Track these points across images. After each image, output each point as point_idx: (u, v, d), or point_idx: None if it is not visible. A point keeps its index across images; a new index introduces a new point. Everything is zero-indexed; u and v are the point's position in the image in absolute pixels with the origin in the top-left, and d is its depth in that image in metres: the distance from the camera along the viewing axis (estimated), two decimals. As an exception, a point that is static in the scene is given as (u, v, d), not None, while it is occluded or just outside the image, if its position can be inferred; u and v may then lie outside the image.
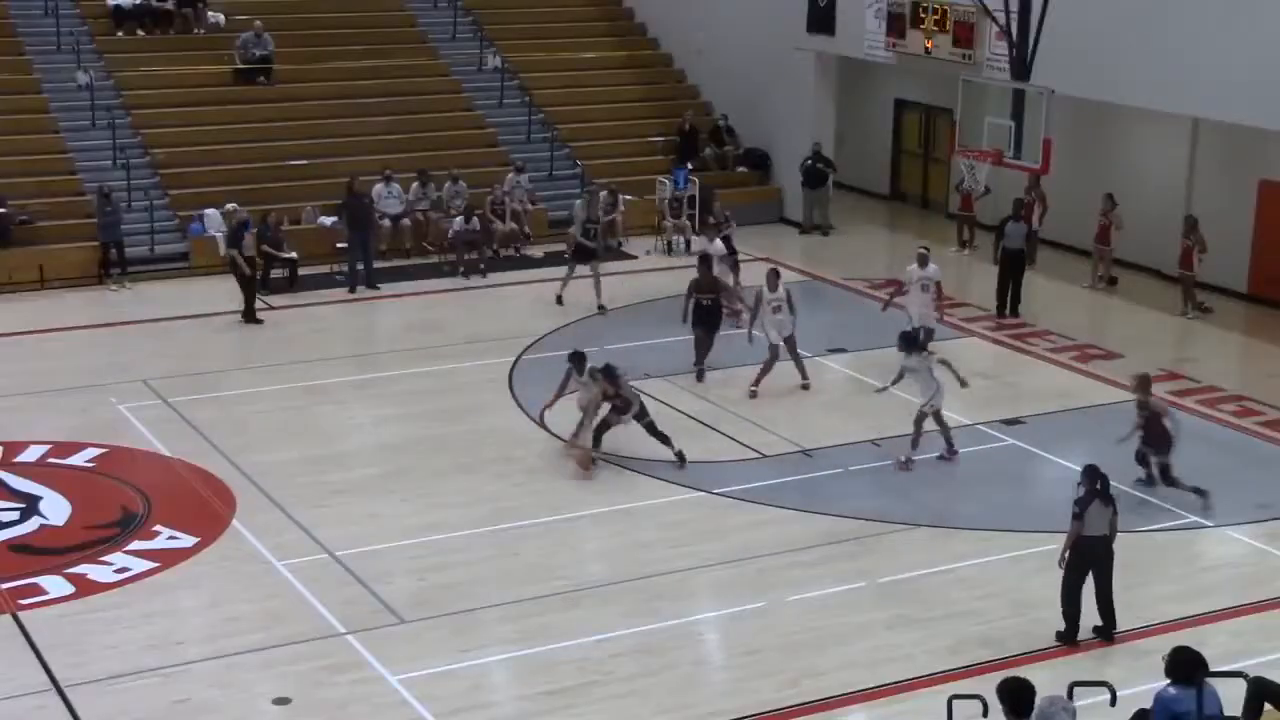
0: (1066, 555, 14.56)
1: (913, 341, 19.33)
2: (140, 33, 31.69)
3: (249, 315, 24.52)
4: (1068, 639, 14.55)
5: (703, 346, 21.97)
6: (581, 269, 25.59)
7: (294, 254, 26.36)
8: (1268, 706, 11.46)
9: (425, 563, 16.39)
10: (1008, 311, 25.10)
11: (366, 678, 14.11)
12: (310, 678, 14.05)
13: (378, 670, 14.20)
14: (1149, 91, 24.22)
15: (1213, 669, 11.11)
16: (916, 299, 22.20)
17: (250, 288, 24.65)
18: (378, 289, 26.47)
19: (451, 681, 14.07)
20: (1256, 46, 22.36)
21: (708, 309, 21.96)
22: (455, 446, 19.64)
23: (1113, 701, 11.56)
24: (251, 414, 20.63)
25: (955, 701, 11.87)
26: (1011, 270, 25.33)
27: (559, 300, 25.33)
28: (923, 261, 22.25)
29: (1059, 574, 14.68)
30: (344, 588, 15.79)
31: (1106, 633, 14.67)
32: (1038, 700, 10.56)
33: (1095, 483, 14.59)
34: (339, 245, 27.14)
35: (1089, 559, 14.51)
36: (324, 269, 27.05)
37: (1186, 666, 10.82)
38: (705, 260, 23.18)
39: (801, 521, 17.46)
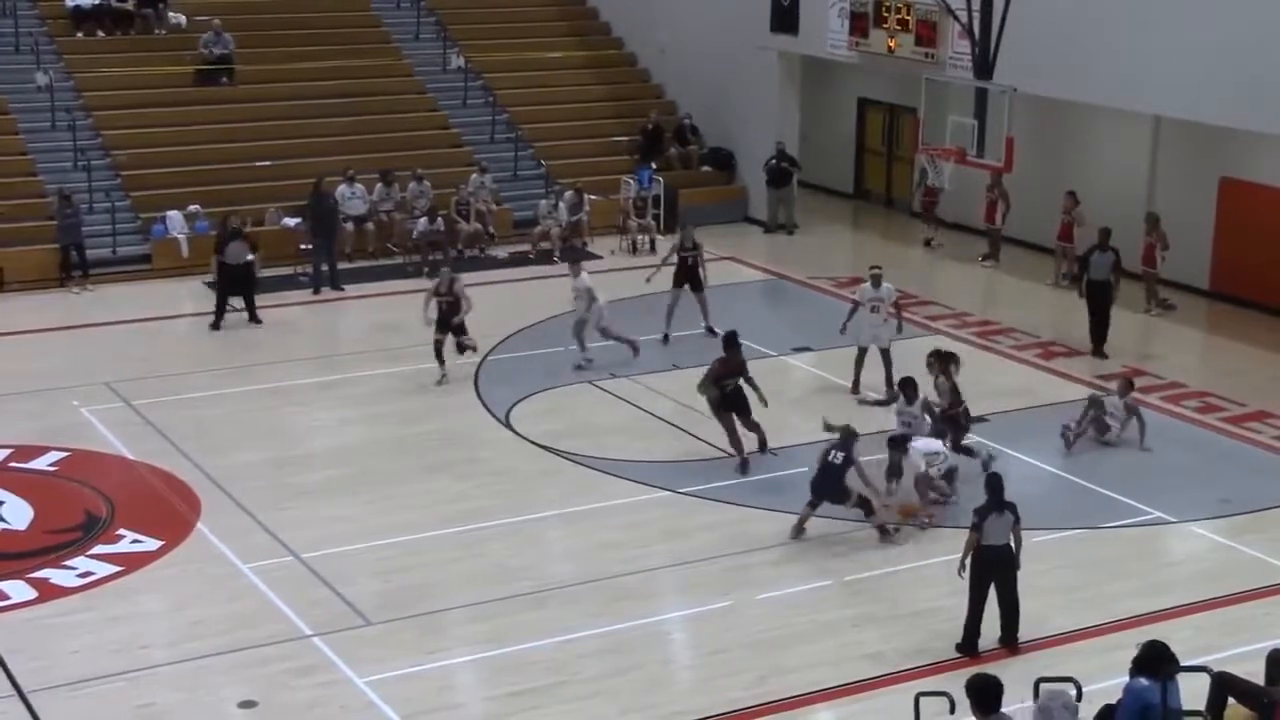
0: (967, 565, 14.54)
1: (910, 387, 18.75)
2: (100, 33, 31.47)
3: (251, 317, 24.56)
4: (967, 650, 14.51)
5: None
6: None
7: (252, 257, 26.22)
8: (1231, 700, 11.55)
9: (391, 564, 16.35)
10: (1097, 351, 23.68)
11: (333, 680, 14.06)
12: (276, 680, 13.99)
13: (344, 672, 14.16)
14: (1110, 89, 24.35)
15: (1179, 663, 11.18)
16: (866, 319, 21.48)
17: (247, 290, 24.61)
18: (342, 290, 26.39)
19: (419, 683, 14.04)
20: (1217, 45, 22.51)
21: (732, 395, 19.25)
22: (420, 447, 19.59)
23: (1078, 696, 11.61)
24: (215, 416, 20.53)
25: (922, 699, 11.91)
26: (1099, 303, 23.58)
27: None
28: (876, 282, 21.57)
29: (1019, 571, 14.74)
30: (310, 590, 15.73)
31: (1010, 641, 14.63)
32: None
33: (995, 493, 14.61)
34: (303, 246, 27.03)
35: (991, 569, 14.49)
36: (287, 270, 26.93)
37: (1157, 660, 10.87)
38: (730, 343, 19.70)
39: (767, 520, 17.47)
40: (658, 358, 22.85)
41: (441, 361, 21.66)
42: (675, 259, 24.07)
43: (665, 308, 23.78)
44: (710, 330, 23.51)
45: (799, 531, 16.86)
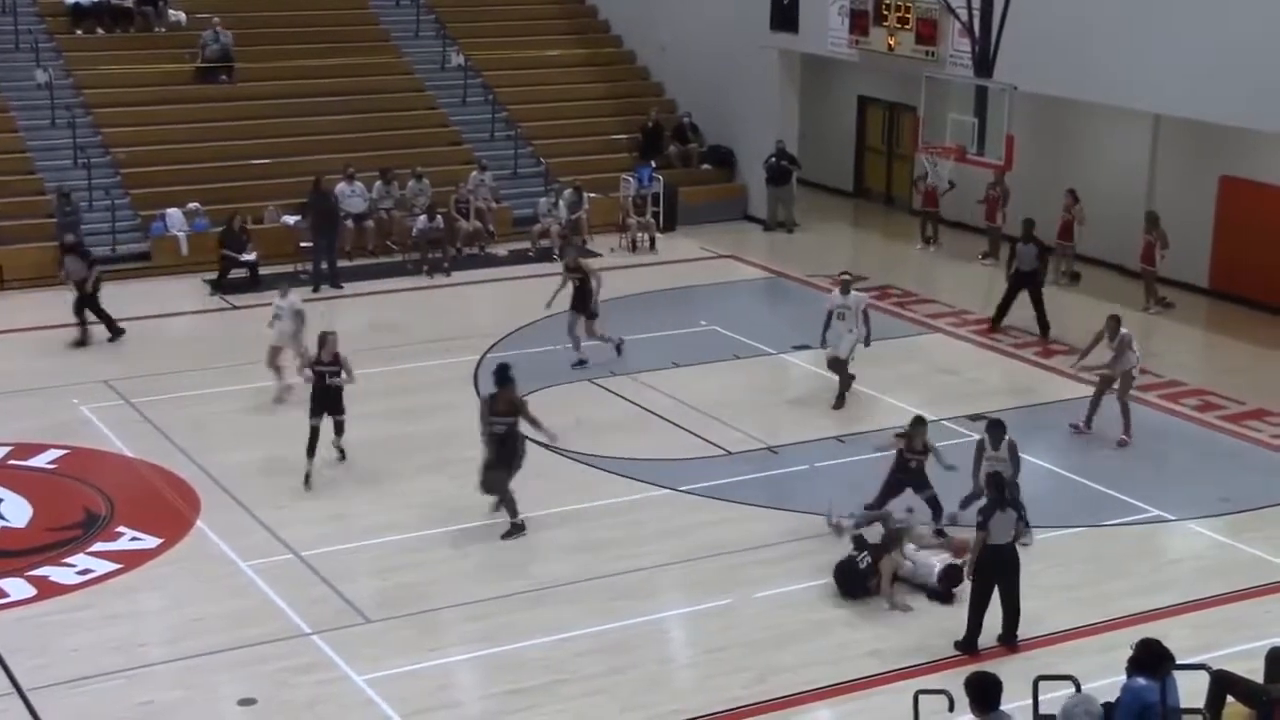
0: (973, 564, 14.51)
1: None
2: (100, 31, 31.47)
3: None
4: (967, 647, 14.49)
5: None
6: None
7: (253, 255, 26.26)
8: (1230, 698, 11.55)
9: (390, 562, 16.35)
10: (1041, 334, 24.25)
11: (332, 678, 14.06)
12: (276, 678, 13.99)
13: (343, 670, 14.16)
14: (1111, 88, 24.34)
15: (1176, 661, 11.17)
16: (834, 327, 20.96)
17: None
18: (341, 288, 26.38)
19: (417, 681, 14.04)
20: (1217, 43, 22.50)
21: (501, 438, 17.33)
22: (419, 446, 19.58)
23: (1077, 693, 11.60)
24: (215, 414, 20.52)
25: (921, 697, 11.91)
26: (1028, 292, 24.20)
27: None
28: (845, 289, 21.06)
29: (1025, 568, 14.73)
30: (309, 588, 15.73)
31: (1009, 639, 14.62)
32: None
33: (998, 491, 14.59)
34: (303, 244, 27.03)
35: (996, 567, 14.48)
36: (287, 268, 26.90)
37: (1154, 659, 10.87)
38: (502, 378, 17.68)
39: (767, 518, 17.47)
40: (656, 356, 22.83)
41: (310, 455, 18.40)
42: (568, 284, 22.51)
43: (567, 331, 22.56)
44: (617, 348, 22.73)
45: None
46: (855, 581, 15.58)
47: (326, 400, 18.37)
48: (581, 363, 22.38)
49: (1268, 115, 22.14)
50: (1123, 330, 19.75)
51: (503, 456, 17.05)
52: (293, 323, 21.03)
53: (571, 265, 22.82)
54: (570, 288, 22.49)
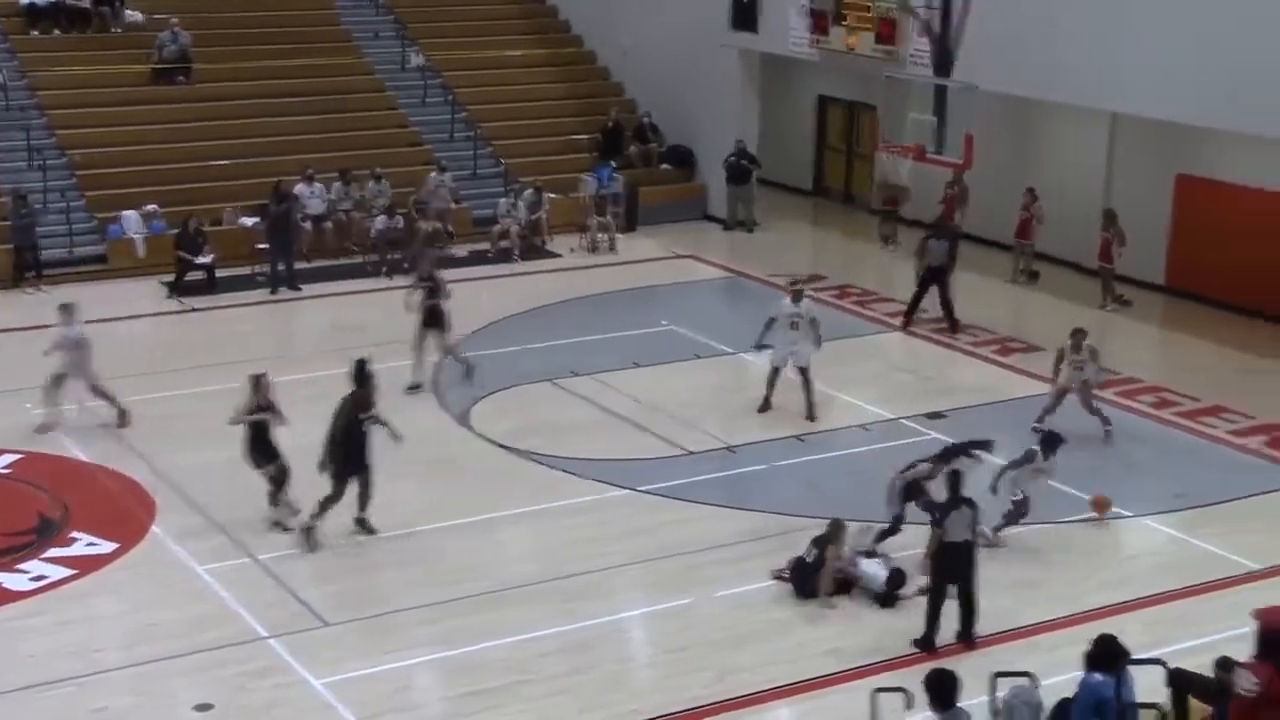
0: (929, 563, 14.60)
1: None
2: (56, 31, 31.24)
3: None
4: (925, 645, 14.53)
5: None
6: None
7: (209, 258, 26.12)
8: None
9: (349, 565, 16.29)
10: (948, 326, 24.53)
11: (290, 682, 14.00)
12: (232, 683, 13.92)
13: (301, 674, 14.10)
14: (1069, 87, 24.45)
15: (1132, 657, 11.23)
16: (784, 337, 20.50)
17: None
18: (299, 290, 26.25)
19: (376, 684, 13.98)
20: (1174, 43, 22.63)
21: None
22: (379, 448, 19.43)
23: (1034, 691, 11.66)
24: (171, 417, 20.38)
25: (879, 695, 11.93)
26: (936, 286, 24.51)
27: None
28: (796, 297, 20.61)
29: (980, 566, 14.78)
30: (266, 591, 15.66)
31: (967, 637, 14.68)
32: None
33: (955, 489, 14.63)
34: (259, 246, 26.90)
35: (953, 565, 14.54)
36: (245, 270, 26.79)
37: (1110, 654, 10.93)
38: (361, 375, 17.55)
39: (727, 518, 17.48)
40: (616, 356, 22.80)
41: None
42: (419, 294, 21.70)
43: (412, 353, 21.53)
44: (468, 370, 21.73)
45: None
46: (806, 577, 15.59)
47: (261, 447, 17.08)
48: (415, 387, 21.29)
49: (1223, 114, 22.30)
50: (1087, 342, 19.86)
51: (349, 450, 16.68)
52: (76, 353, 19.79)
53: (425, 276, 21.81)
54: (421, 300, 21.51)
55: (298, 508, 16.92)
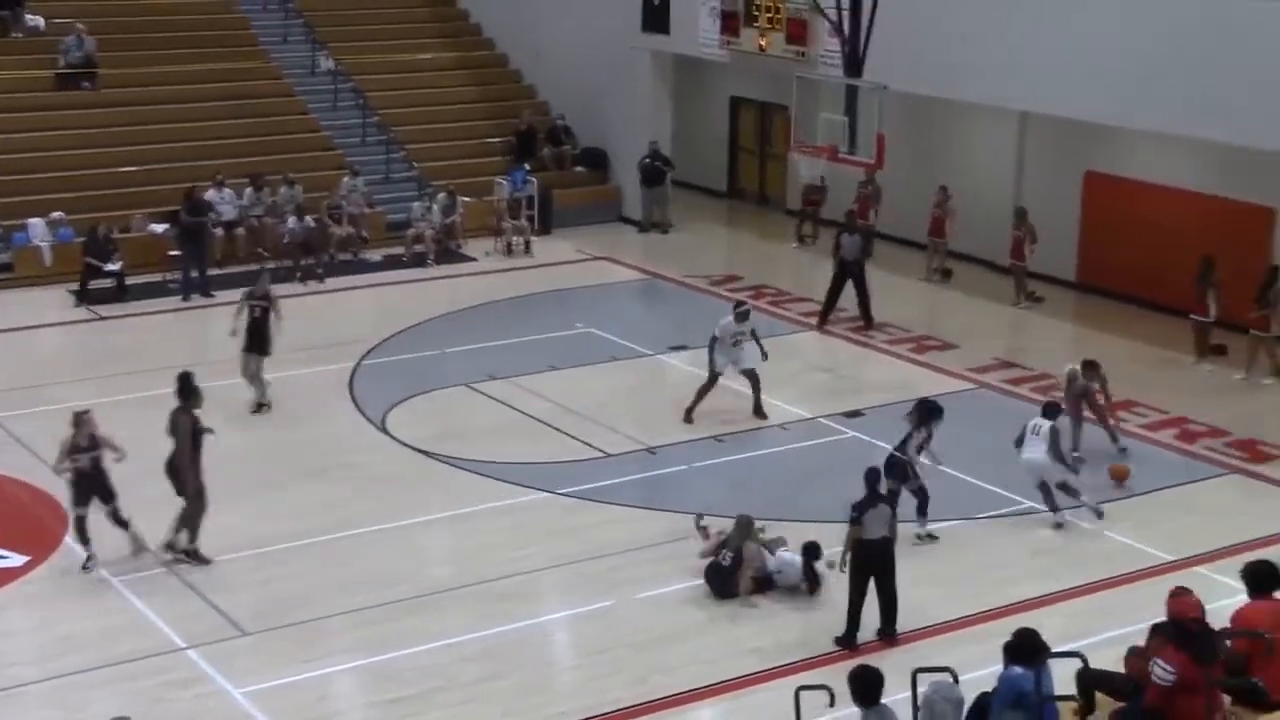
0: (848, 559, 14.68)
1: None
2: (-46, 37, 30.73)
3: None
4: (847, 642, 14.61)
5: None
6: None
7: (118, 265, 25.75)
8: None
9: (266, 573, 16.12)
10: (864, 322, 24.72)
11: (209, 692, 13.84)
12: (151, 694, 13.74)
13: (220, 684, 13.94)
14: (978, 87, 24.70)
15: (1052, 650, 11.32)
16: (728, 353, 20.49)
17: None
18: (212, 297, 25.92)
19: (296, 693, 13.86)
20: (1080, 42, 22.92)
21: None
22: (295, 454, 19.33)
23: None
24: (82, 427, 20.06)
25: (802, 693, 11.95)
26: (852, 281, 24.67)
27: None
28: (741, 318, 20.51)
29: (899, 562, 14.86)
30: (183, 602, 15.47)
31: (888, 634, 14.78)
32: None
33: (873, 486, 14.72)
34: (171, 253, 26.57)
35: (871, 562, 14.63)
36: (156, 278, 26.45)
37: (1029, 648, 11.01)
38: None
39: (647, 519, 17.48)
40: (533, 359, 22.74)
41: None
42: (245, 312, 20.73)
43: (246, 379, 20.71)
44: (259, 406, 20.70)
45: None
46: (723, 579, 15.60)
47: (94, 486, 16.05)
48: (261, 407, 20.72)
49: (1128, 112, 22.62)
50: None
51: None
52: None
53: (260, 294, 20.89)
54: (248, 319, 20.60)
55: (144, 544, 16.31)
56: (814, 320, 24.89)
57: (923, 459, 17.22)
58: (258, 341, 20.66)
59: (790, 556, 15.80)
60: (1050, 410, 17.94)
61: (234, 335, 20.72)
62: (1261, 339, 22.18)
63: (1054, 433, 17.52)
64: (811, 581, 15.65)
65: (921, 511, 17.04)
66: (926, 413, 17.22)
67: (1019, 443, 17.53)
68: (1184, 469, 19.23)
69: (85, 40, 30.41)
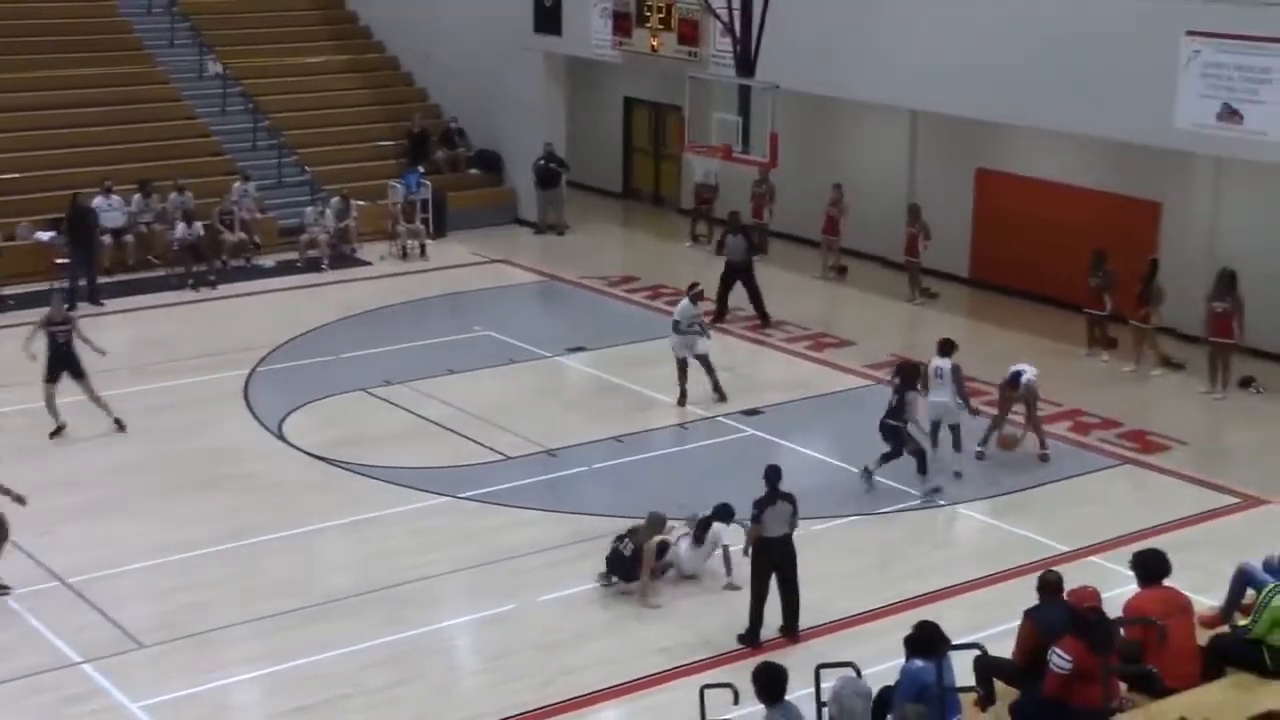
0: (749, 551, 14.85)
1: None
2: None
3: None
4: (750, 640, 14.68)
5: None
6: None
7: None
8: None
9: (164, 584, 15.88)
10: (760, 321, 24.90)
11: (106, 706, 13.62)
12: (46, 711, 13.50)
13: (117, 698, 13.73)
14: (869, 85, 24.92)
15: (952, 642, 11.44)
16: (684, 337, 21.07)
17: None
18: (102, 305, 25.49)
19: (195, 705, 13.68)
20: (968, 41, 23.20)
21: None
22: (190, 463, 19.06)
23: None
24: (-33, 440, 19.68)
25: (707, 691, 11.99)
26: (741, 282, 24.89)
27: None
28: (696, 299, 21.28)
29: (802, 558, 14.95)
30: (77, 615, 15.19)
31: (790, 631, 14.87)
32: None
33: (773, 484, 14.80)
34: (59, 261, 26.09)
35: (772, 559, 14.72)
36: (42, 286, 25.92)
37: (930, 640, 11.11)
38: None
39: (548, 521, 17.44)
40: (430, 363, 22.61)
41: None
42: (45, 336, 19.78)
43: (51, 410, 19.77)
44: (118, 424, 19.94)
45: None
46: (625, 567, 15.63)
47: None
48: (59, 429, 19.75)
49: (1017, 110, 22.94)
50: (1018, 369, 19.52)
51: None
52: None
53: (58, 319, 19.96)
54: (49, 347, 19.70)
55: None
56: (707, 317, 24.91)
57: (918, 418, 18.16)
58: (66, 368, 19.76)
59: (686, 548, 15.83)
60: (945, 347, 18.70)
61: (33, 360, 19.79)
62: (1143, 331, 22.59)
63: (956, 371, 18.36)
64: (726, 565, 15.75)
65: (922, 470, 17.91)
66: (913, 372, 18.07)
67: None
68: (1078, 460, 19.51)
69: (-35, 45, 29.81)
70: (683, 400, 21.03)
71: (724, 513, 15.88)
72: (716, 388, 21.12)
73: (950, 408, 18.64)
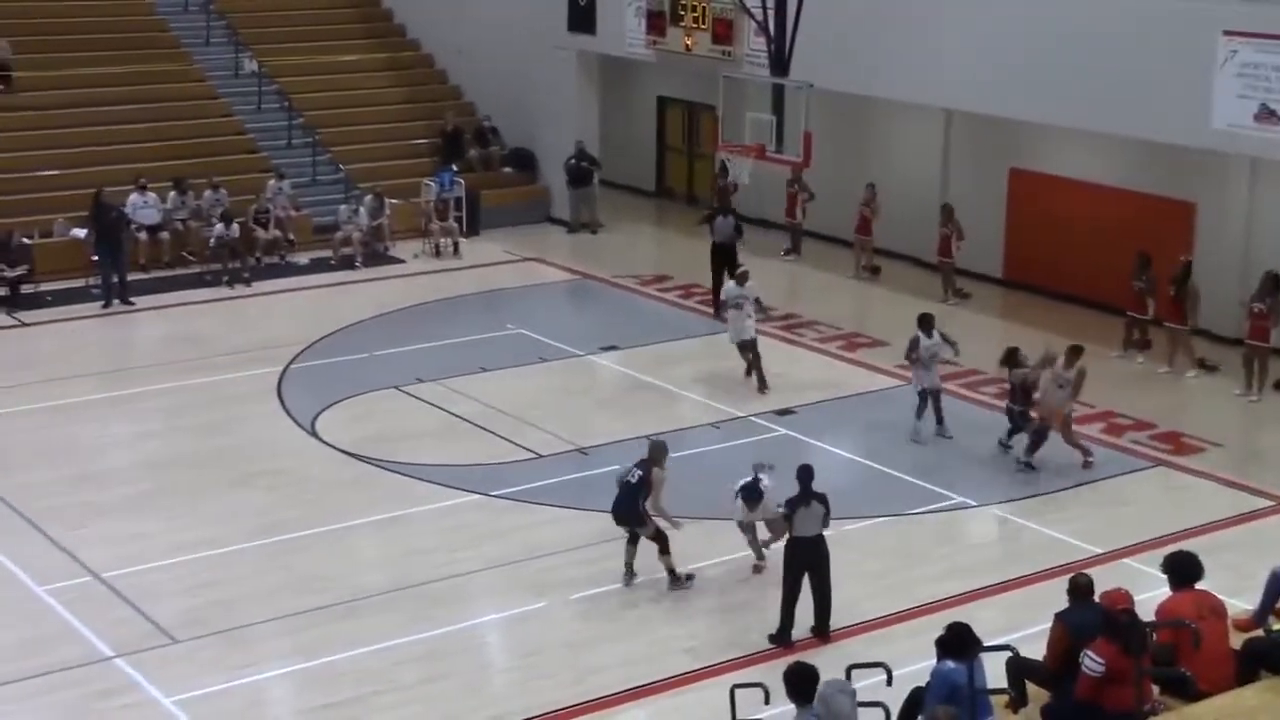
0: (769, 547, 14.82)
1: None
2: None
3: None
4: (781, 640, 14.66)
5: None
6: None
7: (17, 272, 25.32)
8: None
9: (196, 580, 15.94)
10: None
11: (139, 701, 13.68)
12: (78, 706, 13.57)
13: (150, 693, 13.79)
14: (903, 85, 24.85)
15: (984, 643, 11.40)
16: (734, 317, 21.73)
17: None
18: (132, 304, 25.55)
19: (227, 700, 13.73)
20: (1002, 41, 23.13)
21: None
22: (223, 460, 19.15)
23: (889, 681, 11.79)
24: (3, 435, 19.82)
25: (737, 690, 11.98)
26: (726, 264, 24.98)
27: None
28: (742, 280, 21.89)
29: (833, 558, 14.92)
30: (111, 610, 15.27)
31: (821, 631, 14.84)
32: (819, 684, 10.71)
33: (806, 484, 14.75)
34: (94, 258, 26.24)
35: (804, 559, 14.69)
36: (78, 283, 26.12)
37: (961, 642, 11.08)
38: None
39: (580, 520, 17.43)
40: (463, 361, 22.65)
41: None
42: None
43: None
44: None
45: (629, 576, 15.88)
46: (629, 499, 15.47)
47: None
48: None
49: (1052, 109, 22.83)
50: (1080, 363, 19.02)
51: None
52: None
53: None
54: None
55: None
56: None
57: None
58: None
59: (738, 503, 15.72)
60: (925, 322, 19.80)
61: None
62: (1176, 333, 22.46)
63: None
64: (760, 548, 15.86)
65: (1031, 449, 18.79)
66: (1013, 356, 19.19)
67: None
68: (1112, 462, 19.41)
69: (1, 44, 29.94)
70: (762, 388, 21.51)
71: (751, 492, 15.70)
72: (761, 381, 21.52)
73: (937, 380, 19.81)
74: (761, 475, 15.79)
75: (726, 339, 21.97)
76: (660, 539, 15.71)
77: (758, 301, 21.79)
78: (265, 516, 17.43)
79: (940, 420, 20.00)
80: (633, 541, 15.86)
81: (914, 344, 19.78)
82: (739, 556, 16.35)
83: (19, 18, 31.29)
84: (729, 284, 22.12)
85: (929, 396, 19.92)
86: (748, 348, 21.69)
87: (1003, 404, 19.75)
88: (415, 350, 23.18)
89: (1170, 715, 11.02)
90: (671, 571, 15.78)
